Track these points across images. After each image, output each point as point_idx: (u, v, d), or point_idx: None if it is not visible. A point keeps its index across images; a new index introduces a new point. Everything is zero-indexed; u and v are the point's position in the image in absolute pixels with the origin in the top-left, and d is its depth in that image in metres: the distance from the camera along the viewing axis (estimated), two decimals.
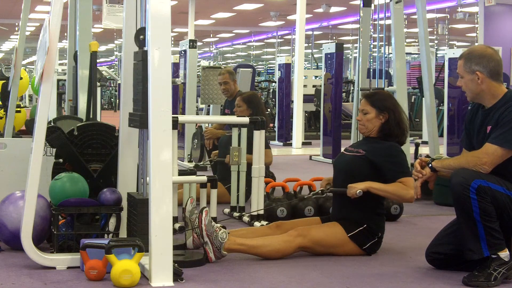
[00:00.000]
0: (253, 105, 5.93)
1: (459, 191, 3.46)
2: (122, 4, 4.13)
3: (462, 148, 3.95)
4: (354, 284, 3.51)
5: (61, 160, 4.19)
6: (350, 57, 28.84)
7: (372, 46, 8.75)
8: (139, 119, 3.62)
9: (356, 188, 3.92)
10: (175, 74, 9.98)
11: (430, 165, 3.70)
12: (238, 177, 5.17)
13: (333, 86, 9.82)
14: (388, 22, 7.30)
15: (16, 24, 21.17)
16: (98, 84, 6.94)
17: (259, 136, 4.93)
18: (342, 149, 4.41)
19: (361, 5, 8.40)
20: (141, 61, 3.63)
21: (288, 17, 23.61)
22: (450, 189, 3.52)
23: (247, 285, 3.45)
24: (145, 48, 3.63)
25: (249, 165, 5.00)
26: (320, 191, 4.26)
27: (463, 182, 3.45)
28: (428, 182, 3.77)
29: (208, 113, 11.36)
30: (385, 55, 7.95)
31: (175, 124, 4.55)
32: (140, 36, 3.73)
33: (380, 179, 4.00)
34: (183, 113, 9.65)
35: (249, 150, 5.06)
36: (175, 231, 4.33)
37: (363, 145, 4.17)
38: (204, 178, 4.69)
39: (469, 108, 3.96)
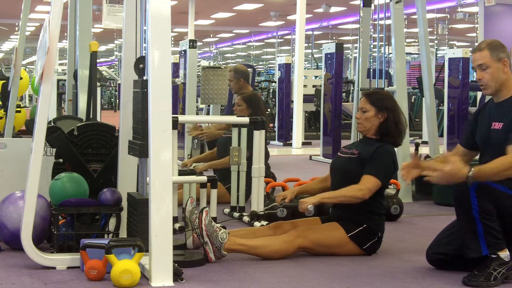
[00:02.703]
0: (253, 105, 5.93)
1: (459, 189, 3.46)
2: (122, 4, 4.13)
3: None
4: (354, 284, 3.51)
5: (61, 160, 4.19)
6: (350, 57, 28.83)
7: (372, 46, 8.75)
8: (139, 148, 3.60)
9: (307, 203, 3.92)
10: (175, 74, 9.98)
11: (470, 175, 3.36)
12: (238, 177, 5.17)
13: (333, 86, 9.82)
14: (388, 22, 7.30)
15: (16, 24, 21.16)
16: (98, 84, 6.93)
17: (259, 136, 4.93)
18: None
19: (361, 5, 8.39)
20: (141, 90, 3.60)
21: (288, 17, 23.60)
22: (452, 187, 3.53)
23: (247, 285, 3.45)
24: (145, 77, 3.60)
25: (249, 165, 5.00)
26: (273, 206, 4.25)
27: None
28: (426, 181, 3.74)
29: (208, 113, 11.36)
30: (385, 55, 7.95)
31: (175, 124, 4.55)
32: (139, 65, 3.71)
33: None
34: (183, 113, 9.65)
35: (248, 150, 5.07)
36: (175, 231, 4.33)
37: (358, 146, 4.18)
38: (204, 178, 4.69)
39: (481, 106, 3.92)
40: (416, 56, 19.34)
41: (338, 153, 4.31)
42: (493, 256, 3.46)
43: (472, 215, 3.44)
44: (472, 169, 3.35)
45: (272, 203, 5.09)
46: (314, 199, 3.95)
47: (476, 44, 16.06)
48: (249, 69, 10.62)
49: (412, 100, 15.91)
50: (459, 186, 3.46)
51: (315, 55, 24.85)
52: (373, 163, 4.01)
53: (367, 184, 3.96)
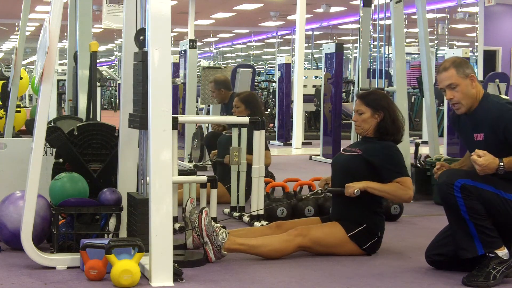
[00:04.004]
0: (251, 105, 5.92)
1: (444, 191, 3.48)
2: (122, 4, 4.13)
3: (461, 148, 3.94)
4: (354, 284, 3.51)
5: (61, 160, 4.20)
6: (350, 57, 28.83)
7: (372, 46, 8.75)
8: (139, 120, 3.61)
9: (354, 188, 3.93)
10: (175, 74, 9.98)
11: (501, 165, 3.44)
12: (238, 177, 5.17)
13: (333, 86, 9.82)
14: (388, 22, 7.30)
15: (16, 24, 21.16)
16: (98, 84, 6.93)
17: (259, 136, 4.93)
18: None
19: (361, 5, 8.40)
20: (141, 61, 3.63)
21: (288, 17, 23.60)
22: (437, 189, 3.54)
23: (247, 285, 3.45)
24: (145, 49, 3.62)
25: (249, 165, 5.00)
26: (319, 191, 4.27)
27: (447, 181, 3.47)
28: (429, 180, 3.77)
29: (208, 113, 11.36)
30: (385, 55, 7.95)
31: (175, 124, 4.55)
32: (140, 36, 3.73)
33: (377, 178, 4.01)
34: (183, 113, 9.65)
35: (249, 151, 5.06)
36: (175, 231, 4.33)
37: (360, 145, 4.19)
38: (204, 178, 4.69)
39: (451, 115, 3.92)
40: (416, 56, 19.34)
41: (341, 151, 4.33)
42: (492, 255, 3.46)
43: (462, 216, 3.45)
44: (503, 159, 3.40)
45: (272, 203, 5.09)
46: (361, 185, 3.94)
47: (476, 44, 15.98)
48: (249, 69, 10.68)
49: (412, 100, 15.91)
50: (444, 188, 3.47)
51: (315, 55, 24.85)
52: (392, 166, 4.01)
53: (408, 184, 3.97)
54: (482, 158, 3.39)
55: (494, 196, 3.45)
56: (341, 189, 4.01)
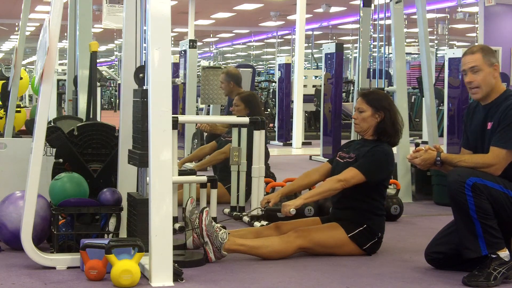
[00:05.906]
0: (251, 105, 5.93)
1: (454, 188, 3.47)
2: (122, 4, 4.13)
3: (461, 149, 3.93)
4: (354, 284, 3.51)
5: (61, 160, 4.20)
6: (350, 57, 28.84)
7: (372, 46, 8.74)
8: (139, 158, 3.60)
9: (290, 206, 3.92)
10: (175, 74, 9.98)
11: (438, 159, 3.64)
12: (238, 177, 5.17)
13: (333, 86, 9.82)
14: (388, 22, 7.29)
15: (16, 24, 21.18)
16: (98, 84, 6.94)
17: (259, 136, 4.93)
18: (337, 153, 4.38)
19: (361, 5, 8.39)
20: (141, 99, 3.60)
21: (288, 17, 23.61)
22: (447, 187, 3.54)
23: (247, 285, 3.45)
24: (145, 87, 3.59)
25: (249, 164, 5.00)
26: (256, 210, 4.24)
27: (459, 179, 3.46)
28: (429, 180, 3.79)
29: (208, 113, 11.36)
30: (385, 55, 7.94)
31: (175, 124, 4.55)
32: (139, 74, 3.70)
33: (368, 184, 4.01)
34: (183, 113, 9.65)
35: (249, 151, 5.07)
36: (175, 231, 4.33)
37: (356, 149, 4.16)
38: (204, 178, 4.69)
39: (468, 106, 3.95)
40: (416, 56, 19.34)
41: (337, 158, 4.28)
42: (493, 256, 3.46)
43: (470, 215, 3.45)
44: (441, 153, 3.64)
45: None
46: (297, 202, 3.95)
47: (476, 44, 16.00)
48: (249, 69, 10.67)
49: (412, 100, 15.92)
50: (454, 186, 3.46)
51: (315, 55, 24.86)
52: (362, 159, 4.03)
53: (345, 175, 3.98)
54: (418, 159, 3.66)
55: (503, 195, 3.47)
56: (278, 208, 4.02)
